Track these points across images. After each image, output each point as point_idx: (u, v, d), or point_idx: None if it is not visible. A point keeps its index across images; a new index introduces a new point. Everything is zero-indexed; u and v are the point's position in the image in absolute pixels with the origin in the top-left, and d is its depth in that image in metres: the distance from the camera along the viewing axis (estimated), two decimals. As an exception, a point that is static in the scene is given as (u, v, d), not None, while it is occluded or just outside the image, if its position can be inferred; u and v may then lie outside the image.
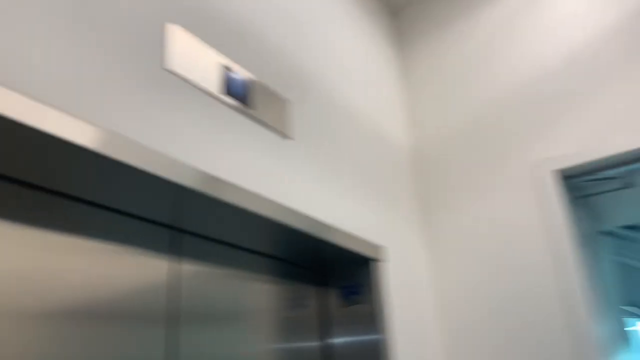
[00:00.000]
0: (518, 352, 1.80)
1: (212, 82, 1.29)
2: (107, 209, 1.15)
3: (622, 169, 1.90)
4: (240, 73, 1.38)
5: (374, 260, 1.67)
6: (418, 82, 2.35)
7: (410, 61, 2.41)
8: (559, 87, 1.99)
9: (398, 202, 1.99)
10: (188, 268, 1.29)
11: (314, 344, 1.63)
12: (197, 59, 1.26)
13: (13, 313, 0.93)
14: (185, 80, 1.22)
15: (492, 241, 1.96)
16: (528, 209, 1.92)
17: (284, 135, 1.48)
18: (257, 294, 1.48)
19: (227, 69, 1.34)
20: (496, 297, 1.89)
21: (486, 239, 1.97)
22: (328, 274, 1.74)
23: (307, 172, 1.53)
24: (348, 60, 1.98)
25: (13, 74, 0.87)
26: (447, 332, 1.94)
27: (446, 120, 2.22)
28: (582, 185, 2.34)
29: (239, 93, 1.35)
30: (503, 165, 2.02)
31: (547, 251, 1.84)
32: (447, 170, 2.14)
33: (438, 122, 2.24)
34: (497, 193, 2.00)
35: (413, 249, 1.98)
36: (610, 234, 3.76)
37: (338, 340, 1.65)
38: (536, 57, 2.08)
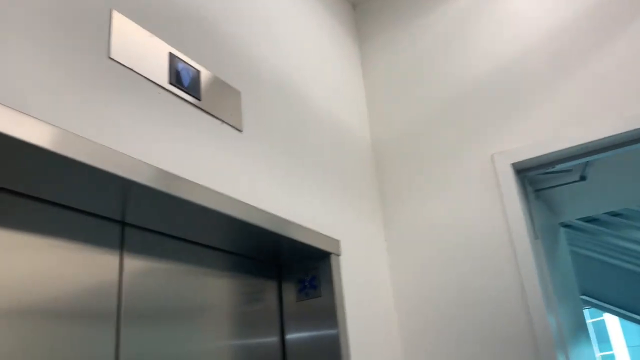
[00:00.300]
0: (476, 345, 1.81)
1: (160, 73, 1.24)
2: (57, 205, 1.10)
3: (577, 162, 1.93)
4: (189, 63, 1.34)
5: (331, 254, 1.65)
6: (377, 77, 2.34)
7: (370, 55, 2.40)
8: (513, 82, 2.01)
9: (356, 196, 1.97)
10: (139, 264, 1.25)
11: (269, 339, 1.60)
12: (144, 49, 1.22)
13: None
14: (131, 70, 1.17)
15: (450, 235, 1.96)
16: (485, 202, 1.93)
17: (235, 127, 1.45)
18: (211, 289, 1.44)
19: (176, 59, 1.30)
20: (454, 290, 1.90)
21: (444, 232, 1.98)
22: (285, 268, 1.72)
23: (261, 165, 1.50)
24: (305, 52, 1.95)
25: None
26: (405, 326, 1.94)
27: (404, 115, 2.21)
28: (539, 178, 2.37)
29: (188, 84, 1.31)
30: (460, 159, 2.03)
31: (505, 244, 1.85)
32: (405, 164, 2.14)
33: (396, 116, 2.23)
34: (455, 187, 2.01)
35: (371, 243, 1.97)
36: (569, 226, 3.84)
37: (294, 335, 1.63)
38: (490, 52, 2.09)
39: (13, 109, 0.88)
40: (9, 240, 1.01)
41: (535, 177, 2.30)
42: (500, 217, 1.89)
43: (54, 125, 0.94)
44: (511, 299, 1.79)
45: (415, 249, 2.01)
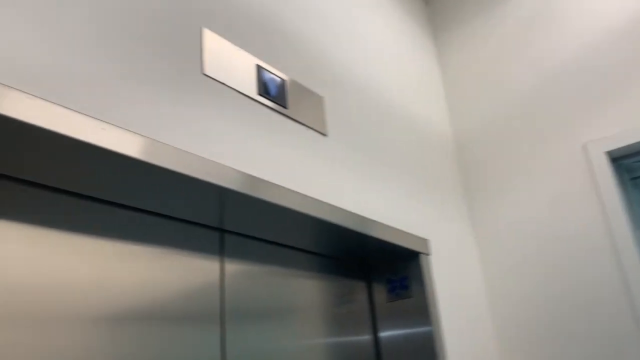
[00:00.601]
0: (575, 341, 1.74)
1: (249, 85, 1.29)
2: (157, 214, 1.17)
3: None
4: (275, 73, 1.38)
5: (420, 253, 1.65)
6: (455, 69, 2.30)
7: (445, 48, 2.36)
8: (605, 65, 1.91)
9: (441, 193, 1.95)
10: (237, 268, 1.31)
11: (362, 338, 1.62)
12: (233, 63, 1.27)
13: (72, 318, 0.96)
14: (224, 84, 1.23)
15: (543, 229, 1.89)
16: (579, 193, 1.85)
17: (320, 132, 1.48)
18: (305, 290, 1.48)
19: (262, 70, 1.34)
20: (551, 285, 1.83)
21: (536, 226, 1.91)
22: (373, 269, 1.73)
23: (346, 167, 1.52)
24: (382, 51, 1.95)
25: (56, 89, 0.90)
26: (499, 324, 1.89)
27: (487, 106, 2.16)
28: (636, 166, 2.24)
29: (275, 93, 1.36)
30: (550, 149, 1.95)
31: (603, 236, 1.77)
32: (490, 157, 2.09)
33: (478, 108, 2.18)
34: (545, 178, 1.93)
35: (460, 241, 1.94)
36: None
37: (387, 333, 1.63)
38: (579, 33, 1.99)
39: (118, 126, 0.95)
40: (119, 250, 1.09)
41: (633, 165, 2.17)
42: (596, 208, 1.80)
43: (154, 140, 1.00)
44: (613, 294, 1.70)
45: (507, 245, 1.96)
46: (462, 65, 2.29)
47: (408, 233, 1.63)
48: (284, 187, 1.25)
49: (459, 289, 1.80)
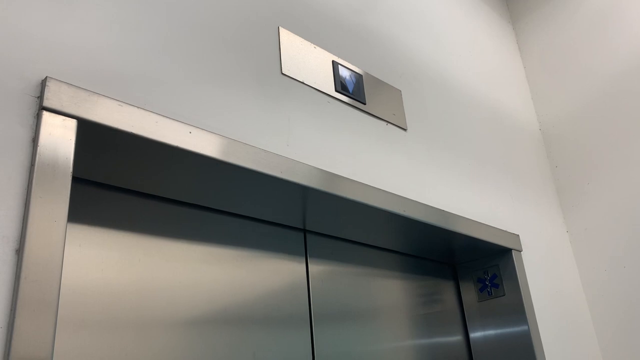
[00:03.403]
0: (691, 343, 1.58)
1: (327, 82, 1.27)
2: (242, 217, 1.18)
3: None
4: (351, 69, 1.35)
5: (511, 250, 1.56)
6: (536, 56, 2.18)
7: (525, 34, 2.24)
8: None
9: (530, 185, 1.84)
10: (322, 269, 1.29)
11: (453, 338, 1.55)
12: (310, 60, 1.26)
13: (161, 322, 0.97)
14: (302, 83, 1.22)
15: (645, 219, 1.75)
16: (686, 179, 1.69)
17: (399, 127, 1.43)
18: (391, 290, 1.44)
19: (339, 66, 1.32)
20: (657, 281, 1.68)
21: (634, 217, 1.76)
22: (461, 267, 1.66)
23: (428, 162, 1.47)
24: (460, 41, 1.88)
25: (135, 90, 0.91)
26: (599, 321, 1.76)
27: (574, 94, 2.03)
28: None
29: (353, 89, 1.33)
30: (649, 133, 1.80)
31: None
32: (580, 146, 1.95)
33: (565, 96, 2.05)
34: (646, 165, 1.78)
35: (552, 236, 1.82)
36: None
37: (479, 334, 1.55)
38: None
39: (204, 129, 0.95)
40: (207, 253, 1.10)
41: None
42: None
43: (237, 141, 1.00)
44: None
45: (602, 237, 1.82)
46: (543, 51, 2.16)
47: (497, 229, 1.55)
48: (365, 184, 1.22)
49: (553, 287, 1.69)
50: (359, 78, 1.36)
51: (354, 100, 1.33)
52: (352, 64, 1.38)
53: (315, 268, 1.28)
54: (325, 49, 1.32)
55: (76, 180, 0.89)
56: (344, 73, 1.32)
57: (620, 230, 1.79)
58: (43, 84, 0.79)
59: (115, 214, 0.98)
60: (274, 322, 1.15)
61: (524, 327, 1.47)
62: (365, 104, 1.35)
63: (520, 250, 1.59)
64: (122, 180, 0.98)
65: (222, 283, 1.09)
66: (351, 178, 1.21)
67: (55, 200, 0.73)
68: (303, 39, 1.27)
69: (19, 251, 0.69)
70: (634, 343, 1.68)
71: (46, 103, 0.77)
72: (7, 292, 0.67)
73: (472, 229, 1.46)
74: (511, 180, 1.76)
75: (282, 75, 1.18)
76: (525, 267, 1.58)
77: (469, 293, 1.61)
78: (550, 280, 1.69)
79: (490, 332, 1.53)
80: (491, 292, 1.56)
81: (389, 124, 1.40)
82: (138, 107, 0.87)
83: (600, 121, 1.92)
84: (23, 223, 0.71)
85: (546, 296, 1.63)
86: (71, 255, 0.90)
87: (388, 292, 1.44)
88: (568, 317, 1.69)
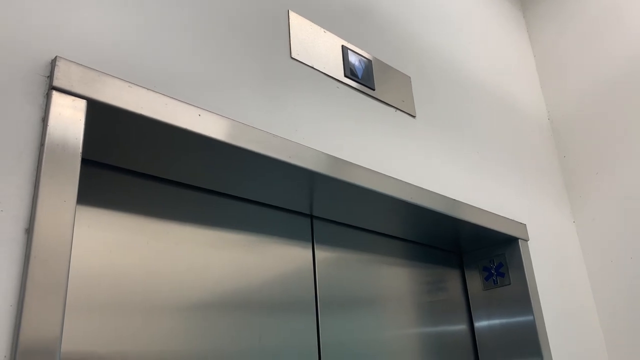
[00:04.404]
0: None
1: (336, 67, 1.26)
2: (249, 201, 1.17)
3: None
4: (361, 54, 1.34)
5: (518, 239, 1.55)
6: (547, 44, 2.16)
7: (536, 21, 2.22)
8: None
9: (537, 175, 1.83)
10: (328, 255, 1.29)
11: (458, 327, 1.55)
12: (319, 45, 1.25)
13: (168, 306, 0.97)
14: (312, 68, 1.21)
15: (653, 211, 1.74)
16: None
17: (408, 113, 1.42)
18: (396, 278, 1.44)
19: (348, 51, 1.31)
20: (663, 273, 1.68)
21: (645, 208, 1.75)
22: (467, 256, 1.66)
23: (436, 149, 1.46)
24: (468, 27, 1.86)
25: (145, 72, 0.91)
26: (604, 313, 1.76)
27: (584, 84, 2.01)
28: None
29: (362, 75, 1.32)
30: (660, 124, 1.78)
31: None
32: (590, 136, 1.94)
33: (574, 86, 2.03)
34: (655, 156, 1.77)
35: (559, 226, 1.82)
36: None
37: (484, 323, 1.56)
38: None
39: (213, 112, 0.95)
40: (214, 237, 1.10)
41: None
42: None
43: (246, 124, 1.00)
44: None
45: (609, 228, 1.81)
46: (554, 40, 2.14)
47: (504, 218, 1.54)
48: (373, 171, 1.21)
49: (559, 277, 1.69)
50: (368, 63, 1.35)
51: (363, 86, 1.32)
52: (362, 49, 1.36)
53: (322, 254, 1.28)
54: (335, 34, 1.30)
55: (85, 162, 0.89)
56: (353, 58, 1.31)
57: (627, 222, 1.78)
58: (53, 63, 0.78)
59: (124, 197, 0.98)
60: (280, 307, 1.15)
61: (529, 317, 1.47)
62: (374, 89, 1.34)
63: (527, 240, 1.59)
64: (130, 163, 0.97)
65: (229, 267, 1.09)
66: (359, 164, 1.21)
67: (65, 180, 0.73)
68: (313, 23, 1.26)
69: (29, 231, 0.69)
70: (639, 334, 1.68)
71: (56, 83, 0.77)
72: (17, 271, 0.67)
73: (479, 218, 1.45)
74: (519, 170, 1.75)
75: (291, 60, 1.17)
76: (531, 256, 1.58)
77: (475, 281, 1.61)
78: (556, 271, 1.68)
79: (495, 321, 1.53)
80: (497, 281, 1.55)
81: (397, 111, 1.39)
82: (148, 89, 0.87)
83: (610, 112, 1.91)
84: (33, 203, 0.71)
85: (552, 286, 1.62)
86: (79, 237, 0.90)
87: (394, 279, 1.44)
88: (573, 307, 1.68)
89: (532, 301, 1.48)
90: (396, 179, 1.27)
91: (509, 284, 1.53)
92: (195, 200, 1.08)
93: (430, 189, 1.37)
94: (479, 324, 1.56)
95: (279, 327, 1.13)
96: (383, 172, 1.26)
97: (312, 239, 1.28)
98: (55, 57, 0.78)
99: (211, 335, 1.01)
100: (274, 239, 1.20)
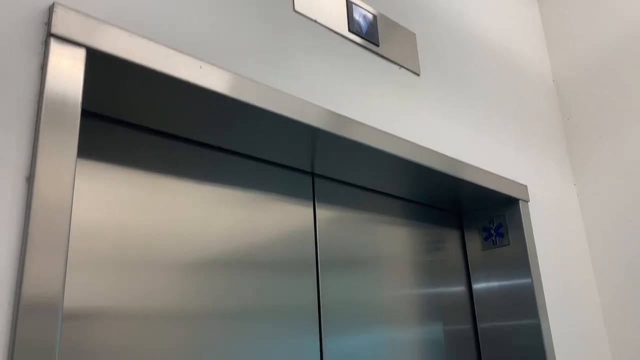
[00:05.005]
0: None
1: (340, 22, 1.24)
2: (250, 157, 1.17)
3: None
4: (366, 9, 1.31)
5: (519, 200, 1.56)
6: (554, 6, 2.11)
7: (546, -19, 2.16)
8: None
9: (540, 137, 1.82)
10: (329, 214, 1.29)
11: (456, 288, 1.57)
12: (320, -1, 1.21)
13: (168, 263, 0.98)
14: (315, 21, 1.18)
15: (655, 174, 1.73)
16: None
17: (412, 71, 1.40)
18: (396, 237, 1.45)
19: (352, 5, 1.28)
20: (661, 236, 1.69)
21: (647, 172, 1.75)
22: (467, 216, 1.66)
23: (439, 108, 1.45)
24: (477, -14, 1.81)
25: (147, 22, 0.89)
26: (601, 276, 1.78)
27: (590, 46, 1.97)
28: None
29: (366, 31, 1.29)
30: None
31: None
32: (594, 98, 1.92)
33: (580, 48, 1.99)
34: (660, 120, 1.75)
35: (559, 188, 1.82)
36: None
37: (482, 284, 1.57)
38: None
39: (214, 64, 0.93)
40: (215, 193, 1.09)
41: None
42: None
43: (246, 78, 0.98)
44: None
45: (611, 193, 1.81)
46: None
47: (506, 178, 1.54)
48: (375, 128, 1.20)
49: (558, 239, 1.70)
50: (373, 19, 1.32)
51: (367, 42, 1.29)
52: (367, 3, 1.33)
53: (323, 212, 1.28)
54: (339, -13, 1.27)
55: (85, 113, 0.88)
56: (358, 13, 1.28)
57: (628, 185, 1.78)
58: (51, 9, 0.76)
59: (124, 150, 0.97)
60: (281, 264, 1.16)
61: (528, 280, 1.48)
62: (378, 45, 1.32)
63: (527, 201, 1.59)
64: (130, 115, 0.96)
65: (229, 224, 1.09)
66: (361, 121, 1.19)
67: (65, 129, 0.72)
68: (317, -25, 1.22)
69: (30, 179, 0.69)
70: (636, 296, 1.70)
71: (54, 30, 0.75)
72: (19, 219, 0.67)
73: (480, 178, 1.45)
74: (522, 131, 1.74)
75: (294, 13, 1.15)
76: (531, 218, 1.58)
77: (474, 242, 1.62)
78: (555, 232, 1.69)
79: (494, 283, 1.54)
80: (496, 242, 1.56)
81: (401, 68, 1.37)
82: (149, 39, 0.85)
83: (616, 75, 1.88)
84: (33, 151, 0.70)
85: (550, 248, 1.63)
86: (79, 189, 0.90)
87: (394, 239, 1.45)
88: (571, 270, 1.70)
89: (530, 262, 1.49)
90: (398, 136, 1.26)
91: (508, 244, 1.54)
92: (196, 156, 1.08)
93: (433, 148, 1.36)
94: (477, 285, 1.58)
95: (279, 285, 1.14)
96: (385, 130, 1.25)
97: (313, 197, 1.28)
98: (53, 2, 0.76)
99: (211, 291, 1.02)
100: (275, 196, 1.20)
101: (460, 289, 1.58)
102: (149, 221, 0.97)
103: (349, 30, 1.25)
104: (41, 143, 0.70)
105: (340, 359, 1.19)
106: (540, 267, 1.53)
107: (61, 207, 0.70)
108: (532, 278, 1.48)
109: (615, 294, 1.74)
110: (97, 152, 0.94)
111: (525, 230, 1.52)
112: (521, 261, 1.50)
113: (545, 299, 1.50)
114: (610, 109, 1.87)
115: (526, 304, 1.47)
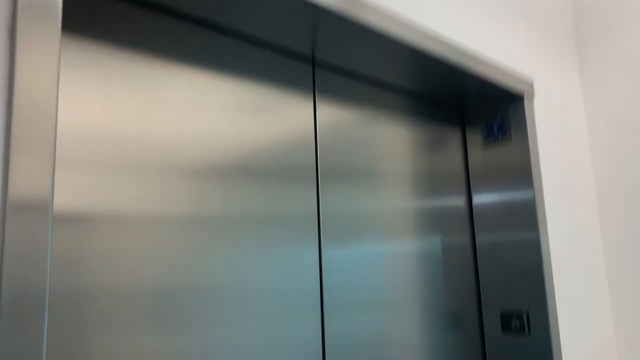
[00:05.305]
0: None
1: None
2: (247, 40, 1.07)
3: None
4: None
5: (523, 95, 1.49)
6: None
7: None
8: None
9: (549, 31, 1.72)
10: (329, 109, 1.22)
11: (456, 198, 1.54)
12: None
13: (162, 160, 0.92)
14: None
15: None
16: None
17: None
18: (395, 135, 1.39)
19: None
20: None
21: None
22: (469, 110, 1.60)
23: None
24: None
25: None
26: (601, 184, 1.77)
27: None
28: None
29: None
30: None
31: None
32: (611, -12, 1.79)
33: None
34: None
35: (564, 84, 1.75)
36: None
37: (481, 195, 1.54)
38: None
39: None
40: (210, 78, 1.01)
41: None
42: None
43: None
44: None
45: (615, 94, 1.76)
46: None
47: (511, 71, 1.46)
48: (381, 11, 1.11)
49: (561, 138, 1.66)
50: None
51: None
52: None
53: (323, 110, 1.22)
54: None
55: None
56: None
57: (636, 84, 1.72)
58: None
59: (113, 30, 0.87)
60: (279, 169, 1.11)
61: (529, 190, 1.44)
62: None
63: (532, 96, 1.53)
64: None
65: (226, 110, 1.02)
66: (366, 2, 1.09)
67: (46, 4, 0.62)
68: None
69: (10, 75, 0.60)
70: (635, 206, 1.70)
71: None
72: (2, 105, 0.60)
73: (485, 68, 1.37)
74: (531, 24, 1.63)
75: None
76: (535, 114, 1.53)
77: (476, 141, 1.56)
78: (558, 131, 1.65)
79: (494, 194, 1.50)
80: (497, 138, 1.52)
81: (413, -54, 1.23)
82: None
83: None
84: (10, 34, 0.61)
85: (552, 148, 1.60)
86: (65, 80, 0.81)
87: (395, 140, 1.39)
88: (571, 176, 1.68)
89: (532, 162, 1.45)
90: (404, 21, 1.16)
91: (510, 140, 1.49)
92: (189, 37, 0.98)
93: (440, 35, 1.27)
94: (477, 195, 1.55)
95: (279, 193, 1.10)
96: (391, 12, 1.15)
97: (314, 88, 1.20)
98: None
99: (208, 196, 0.98)
100: (275, 85, 1.12)
101: (460, 199, 1.55)
102: (140, 115, 0.89)
103: None
104: (19, 26, 0.60)
105: (339, 267, 1.18)
106: (541, 172, 1.50)
107: (46, 85, 0.62)
108: (533, 190, 1.44)
109: (613, 200, 1.74)
110: (83, 33, 0.83)
111: (528, 126, 1.47)
112: (521, 158, 1.46)
113: (546, 208, 1.48)
114: (625, 6, 1.76)
115: (526, 213, 1.43)
